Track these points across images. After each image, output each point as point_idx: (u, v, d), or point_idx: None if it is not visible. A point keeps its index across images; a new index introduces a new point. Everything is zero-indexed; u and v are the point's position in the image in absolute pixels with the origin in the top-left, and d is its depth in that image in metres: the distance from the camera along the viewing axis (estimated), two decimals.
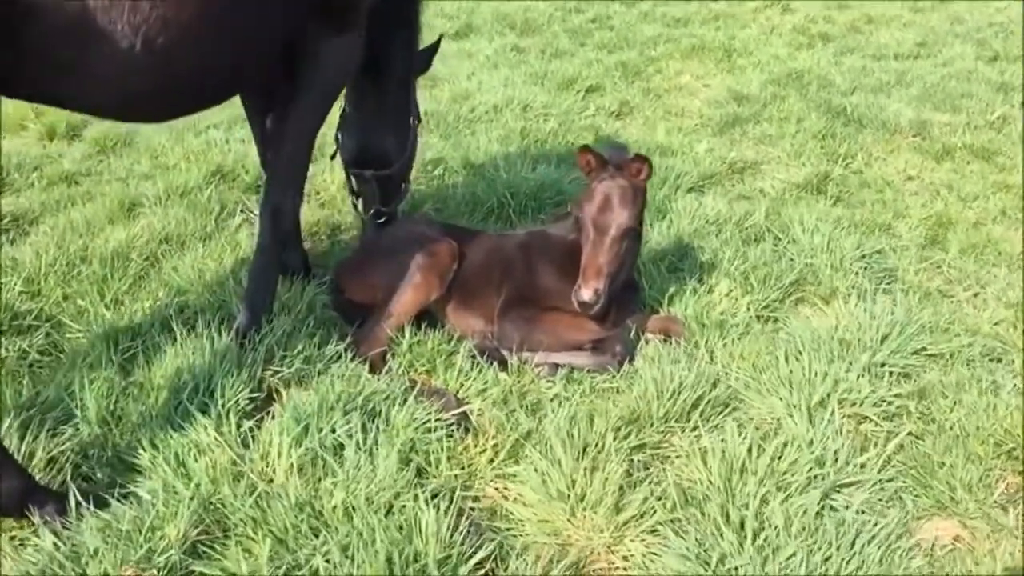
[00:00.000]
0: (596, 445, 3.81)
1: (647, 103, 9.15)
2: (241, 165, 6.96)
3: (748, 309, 5.05)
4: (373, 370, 4.41)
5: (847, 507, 3.53)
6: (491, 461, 3.88)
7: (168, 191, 6.45)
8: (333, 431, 3.84)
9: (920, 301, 5.19)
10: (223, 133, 7.77)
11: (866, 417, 4.12)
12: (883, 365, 4.45)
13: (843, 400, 4.14)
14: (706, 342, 4.70)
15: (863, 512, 3.54)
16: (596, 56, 10.68)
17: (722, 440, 3.87)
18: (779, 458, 3.72)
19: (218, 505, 3.46)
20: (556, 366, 4.59)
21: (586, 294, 4.26)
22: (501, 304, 4.80)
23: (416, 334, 4.66)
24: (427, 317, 4.78)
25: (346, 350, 4.54)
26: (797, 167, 7.40)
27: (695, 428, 4.05)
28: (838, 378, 4.24)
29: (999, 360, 4.66)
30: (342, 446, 3.79)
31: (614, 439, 3.84)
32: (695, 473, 3.68)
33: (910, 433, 4.04)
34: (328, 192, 6.77)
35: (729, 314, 5.00)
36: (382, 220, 5.46)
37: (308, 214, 6.25)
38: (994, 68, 10.02)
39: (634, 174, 4.40)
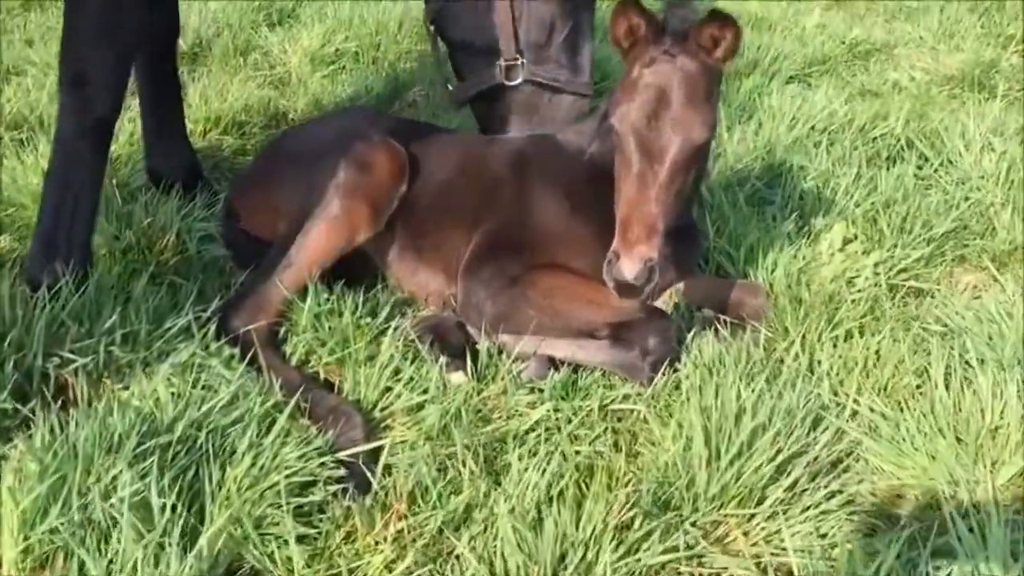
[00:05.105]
0: (584, 551, 2.02)
1: None
2: None
3: (876, 273, 3.12)
4: (246, 356, 2.66)
5: None
6: (390, 567, 2.10)
7: None
8: (107, 496, 2.11)
9: None
10: None
11: None
12: None
13: None
14: (804, 335, 2.80)
15: None
16: None
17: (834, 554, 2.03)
18: None
19: None
20: (551, 363, 2.76)
21: (630, 269, 2.42)
22: (471, 252, 2.96)
23: (328, 298, 2.86)
24: (351, 267, 2.98)
25: (211, 320, 2.79)
26: (948, 52, 5.28)
27: (780, 513, 2.20)
28: None
29: None
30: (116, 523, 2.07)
31: (616, 543, 2.04)
32: None
33: None
34: (285, 66, 4.92)
35: (845, 281, 3.08)
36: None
37: (248, 95, 4.45)
38: None
39: (708, 48, 2.47)
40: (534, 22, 3.28)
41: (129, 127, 3.91)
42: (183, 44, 4.80)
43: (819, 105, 4.34)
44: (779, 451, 2.27)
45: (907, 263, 3.22)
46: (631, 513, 2.11)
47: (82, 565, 2.01)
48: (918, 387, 2.57)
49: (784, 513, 2.20)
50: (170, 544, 2.00)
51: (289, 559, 2.08)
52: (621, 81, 2.59)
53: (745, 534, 2.18)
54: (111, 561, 2.00)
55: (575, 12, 3.32)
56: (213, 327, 2.76)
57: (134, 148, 3.78)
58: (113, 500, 2.09)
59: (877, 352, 2.72)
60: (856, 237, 3.32)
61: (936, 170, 3.83)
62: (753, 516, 2.20)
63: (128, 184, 3.57)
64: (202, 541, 2.02)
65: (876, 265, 3.17)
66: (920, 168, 3.86)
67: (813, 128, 4.18)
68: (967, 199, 3.56)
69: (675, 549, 2.07)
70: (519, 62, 3.27)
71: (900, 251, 3.24)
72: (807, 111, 4.27)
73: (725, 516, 2.19)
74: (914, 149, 3.98)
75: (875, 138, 4.11)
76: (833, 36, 5.42)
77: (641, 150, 2.47)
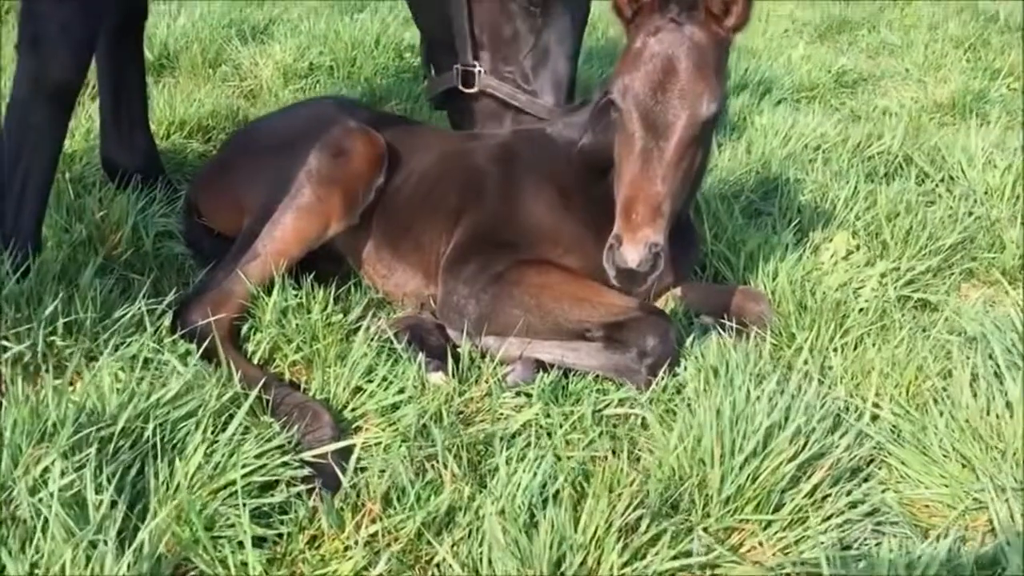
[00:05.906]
0: (584, 555, 1.76)
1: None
2: None
3: (883, 284, 2.93)
4: (204, 350, 2.39)
5: None
6: (360, 574, 1.83)
7: None
8: (34, 490, 1.83)
9: None
10: None
11: None
12: None
13: None
14: (811, 340, 2.59)
15: None
16: None
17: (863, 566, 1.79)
18: None
19: None
20: (538, 365, 2.52)
21: (633, 255, 2.19)
22: (452, 249, 2.74)
23: (296, 293, 2.61)
24: (320, 267, 2.75)
25: (167, 312, 2.53)
26: (936, 84, 5.18)
27: (799, 521, 1.96)
28: None
29: None
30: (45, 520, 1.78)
31: (621, 546, 1.78)
32: None
33: None
34: (256, 79, 4.71)
35: (851, 290, 2.89)
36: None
37: (215, 101, 4.22)
38: None
39: (718, 15, 2.29)
40: (494, 32, 3.05)
41: (86, 124, 3.67)
42: (149, 54, 4.58)
43: (809, 126, 4.17)
44: (797, 452, 2.03)
45: (914, 275, 3.03)
46: (636, 514, 1.86)
47: (2, 568, 1.72)
48: (944, 389, 2.36)
49: (804, 522, 1.97)
50: (106, 543, 1.72)
51: (244, 564, 1.80)
52: (625, 52, 2.39)
53: (761, 543, 1.94)
54: (34, 564, 1.72)
55: (546, 31, 3.05)
56: (168, 320, 2.51)
57: (91, 144, 3.54)
58: (42, 494, 1.81)
59: (893, 357, 2.50)
60: (859, 248, 3.14)
61: (937, 186, 3.67)
62: (770, 523, 1.96)
63: (83, 179, 3.32)
64: (142, 535, 1.74)
65: (883, 276, 2.98)
66: (921, 183, 3.70)
67: (806, 146, 4.02)
68: (971, 214, 3.39)
69: (687, 555, 1.82)
70: (476, 69, 3.05)
71: (906, 262, 3.06)
72: (799, 130, 4.11)
73: (740, 522, 1.94)
74: (913, 165, 3.81)
75: (871, 156, 3.94)
76: (819, 66, 5.30)
77: (645, 125, 2.26)
